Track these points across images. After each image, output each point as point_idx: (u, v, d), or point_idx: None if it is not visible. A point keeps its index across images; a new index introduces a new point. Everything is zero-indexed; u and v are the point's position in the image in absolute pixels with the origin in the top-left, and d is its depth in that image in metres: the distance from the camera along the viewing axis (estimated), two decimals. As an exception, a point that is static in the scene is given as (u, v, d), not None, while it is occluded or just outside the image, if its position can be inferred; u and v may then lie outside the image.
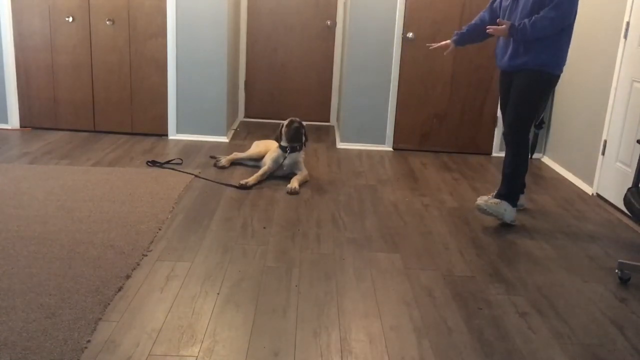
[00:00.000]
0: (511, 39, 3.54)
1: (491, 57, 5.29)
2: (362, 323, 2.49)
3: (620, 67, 4.18)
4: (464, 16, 5.21)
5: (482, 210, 3.63)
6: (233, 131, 5.82)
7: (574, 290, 2.91)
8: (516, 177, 3.68)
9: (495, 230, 3.62)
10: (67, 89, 5.35)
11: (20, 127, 5.43)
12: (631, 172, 3.94)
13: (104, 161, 4.56)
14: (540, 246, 3.42)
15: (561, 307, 2.73)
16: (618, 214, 4.02)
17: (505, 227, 3.68)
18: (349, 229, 3.50)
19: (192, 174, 4.31)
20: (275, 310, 2.55)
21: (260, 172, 4.25)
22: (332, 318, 2.51)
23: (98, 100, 5.38)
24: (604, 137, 4.34)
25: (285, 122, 4.37)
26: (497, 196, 3.70)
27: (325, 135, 5.95)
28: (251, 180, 4.13)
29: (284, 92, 6.38)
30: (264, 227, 3.45)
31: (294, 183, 4.12)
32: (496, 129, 5.44)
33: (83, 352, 2.17)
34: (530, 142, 3.84)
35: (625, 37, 4.14)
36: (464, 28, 3.93)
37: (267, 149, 4.51)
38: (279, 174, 4.35)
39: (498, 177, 4.73)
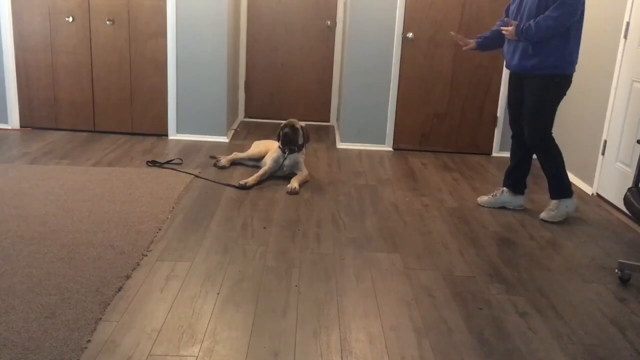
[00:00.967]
0: (518, 40, 3.54)
1: (491, 57, 5.30)
2: (362, 323, 2.49)
3: (620, 67, 4.18)
4: (464, 16, 5.21)
5: (549, 221, 3.78)
6: (233, 131, 5.82)
7: (574, 290, 2.91)
8: (562, 176, 3.76)
9: (495, 230, 3.62)
10: (67, 89, 5.35)
11: (20, 127, 5.42)
12: (631, 172, 3.94)
13: (104, 161, 4.56)
14: (540, 246, 3.42)
15: (561, 307, 2.73)
16: (618, 214, 4.02)
17: (506, 227, 3.68)
18: (349, 229, 3.50)
19: (192, 174, 4.31)
20: (275, 310, 2.55)
21: (260, 172, 4.25)
22: (332, 318, 2.51)
23: (98, 100, 5.38)
24: (604, 137, 4.34)
25: (282, 124, 4.38)
26: (553, 197, 3.81)
27: (325, 135, 5.95)
28: (251, 180, 4.13)
29: (284, 92, 6.38)
30: (264, 227, 3.45)
31: (294, 183, 4.12)
32: (496, 129, 5.44)
33: (83, 352, 2.17)
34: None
35: (625, 37, 4.14)
36: (487, 33, 3.91)
37: (267, 149, 4.51)
38: (280, 174, 4.35)
39: (498, 177, 4.73)
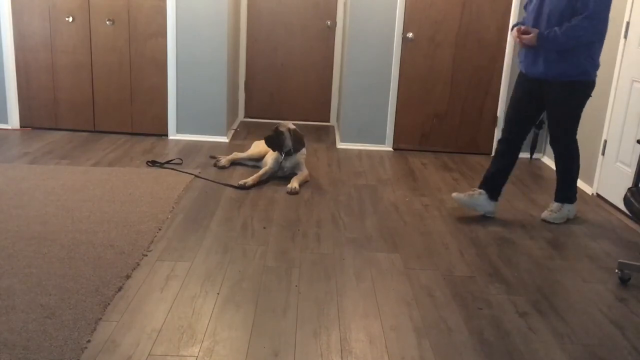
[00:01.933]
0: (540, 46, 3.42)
1: (491, 57, 5.30)
2: (362, 323, 2.49)
3: (620, 67, 4.18)
4: (464, 16, 5.21)
5: (550, 222, 3.77)
6: (233, 131, 5.82)
7: (574, 290, 2.90)
8: (574, 183, 3.78)
9: (495, 230, 3.62)
10: (67, 89, 5.35)
11: (20, 127, 5.42)
12: (631, 172, 3.94)
13: (104, 161, 4.56)
14: (540, 246, 3.42)
15: (561, 307, 2.73)
16: (618, 214, 4.02)
17: (506, 227, 3.68)
18: (349, 229, 3.50)
19: (192, 174, 4.31)
20: (275, 310, 2.55)
21: (260, 172, 4.24)
22: (332, 318, 2.51)
23: (98, 100, 5.37)
24: (604, 137, 4.34)
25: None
26: (558, 200, 3.80)
27: (325, 135, 5.95)
28: (250, 180, 4.13)
29: (284, 92, 6.38)
30: (264, 227, 3.45)
31: (294, 183, 4.12)
32: (496, 129, 5.44)
33: (83, 352, 2.17)
34: (524, 142, 3.84)
35: (625, 37, 4.14)
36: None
37: (267, 149, 4.51)
38: (280, 175, 4.34)
39: (498, 177, 4.73)
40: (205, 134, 5.38)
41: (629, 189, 3.05)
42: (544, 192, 4.43)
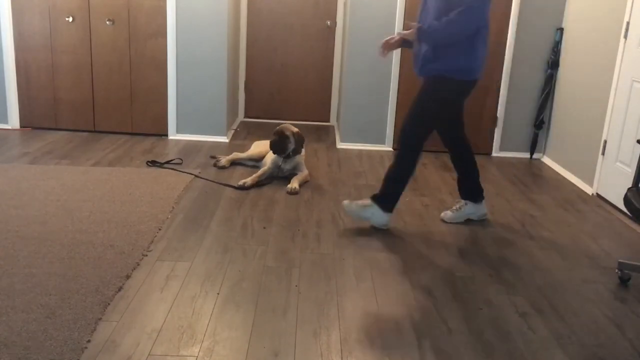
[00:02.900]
0: (423, 43, 3.30)
1: (491, 57, 5.29)
2: (362, 323, 2.49)
3: (620, 67, 4.18)
4: (464, 16, 5.20)
5: (347, 212, 3.49)
6: (233, 131, 5.82)
7: (574, 290, 2.90)
8: (397, 181, 3.46)
9: (495, 230, 3.62)
10: (67, 89, 5.35)
11: (20, 127, 5.42)
12: (631, 172, 3.94)
13: (104, 161, 4.56)
14: (540, 246, 3.42)
15: (561, 307, 2.73)
16: (618, 214, 4.02)
17: (506, 227, 3.68)
18: (349, 229, 3.50)
19: (192, 174, 4.31)
20: (275, 310, 2.55)
21: (259, 172, 4.24)
22: (332, 318, 2.51)
23: (98, 100, 5.38)
24: (604, 137, 4.34)
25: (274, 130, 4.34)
26: (371, 198, 3.51)
27: (325, 135, 5.95)
28: (249, 180, 4.12)
29: (284, 92, 6.38)
30: (264, 227, 3.45)
31: (294, 183, 4.12)
32: (496, 129, 5.44)
33: (83, 352, 2.17)
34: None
35: (625, 37, 4.14)
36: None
37: (267, 149, 4.50)
38: (280, 175, 4.34)
39: (498, 177, 4.73)
40: (205, 134, 5.38)
41: (629, 189, 3.05)
42: (543, 192, 4.43)
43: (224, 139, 5.39)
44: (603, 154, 4.34)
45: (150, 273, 2.81)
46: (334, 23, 6.18)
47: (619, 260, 3.06)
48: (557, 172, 5.01)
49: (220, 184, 4.15)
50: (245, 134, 5.78)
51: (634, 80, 4.02)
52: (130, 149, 4.96)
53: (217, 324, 2.42)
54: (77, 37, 5.23)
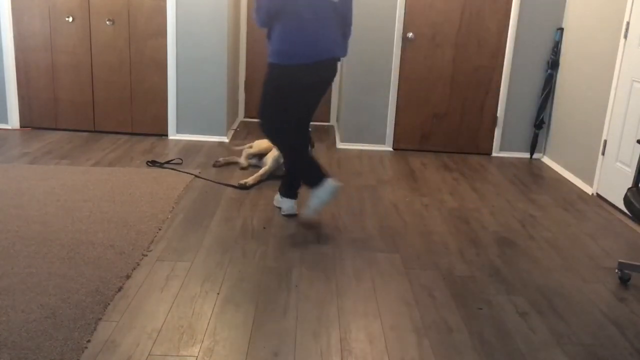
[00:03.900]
0: None
1: (491, 57, 5.30)
2: (362, 323, 2.49)
3: (620, 67, 4.18)
4: (464, 16, 5.21)
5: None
6: (233, 131, 5.82)
7: (574, 290, 2.90)
8: (292, 172, 3.57)
9: (495, 230, 3.62)
10: (67, 89, 5.35)
11: (20, 127, 5.43)
12: (631, 172, 3.94)
13: (104, 161, 4.56)
14: (540, 246, 3.42)
15: (561, 307, 2.73)
16: (618, 214, 4.02)
17: (506, 227, 3.68)
18: (349, 229, 3.50)
19: (192, 174, 4.31)
20: (275, 310, 2.55)
21: (261, 172, 4.25)
22: (332, 318, 2.51)
23: (98, 100, 5.38)
24: (604, 137, 4.34)
25: None
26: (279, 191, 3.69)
27: (325, 135, 5.95)
28: (250, 180, 4.13)
29: (284, 92, 6.37)
30: (264, 227, 3.45)
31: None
32: (496, 129, 5.44)
33: (83, 352, 2.17)
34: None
35: (625, 37, 4.14)
36: None
37: (271, 146, 4.49)
38: (280, 174, 4.33)
39: (498, 177, 4.73)
40: (205, 134, 5.38)
41: (629, 189, 3.05)
42: (543, 192, 4.43)
43: (224, 139, 5.39)
44: (603, 154, 4.34)
45: (150, 273, 2.81)
46: (334, 23, 6.17)
47: (619, 261, 3.06)
48: (557, 172, 5.01)
49: (221, 184, 4.15)
50: (245, 134, 5.78)
51: (634, 80, 4.02)
52: (130, 149, 4.96)
53: (217, 324, 2.42)
54: (77, 37, 5.23)
